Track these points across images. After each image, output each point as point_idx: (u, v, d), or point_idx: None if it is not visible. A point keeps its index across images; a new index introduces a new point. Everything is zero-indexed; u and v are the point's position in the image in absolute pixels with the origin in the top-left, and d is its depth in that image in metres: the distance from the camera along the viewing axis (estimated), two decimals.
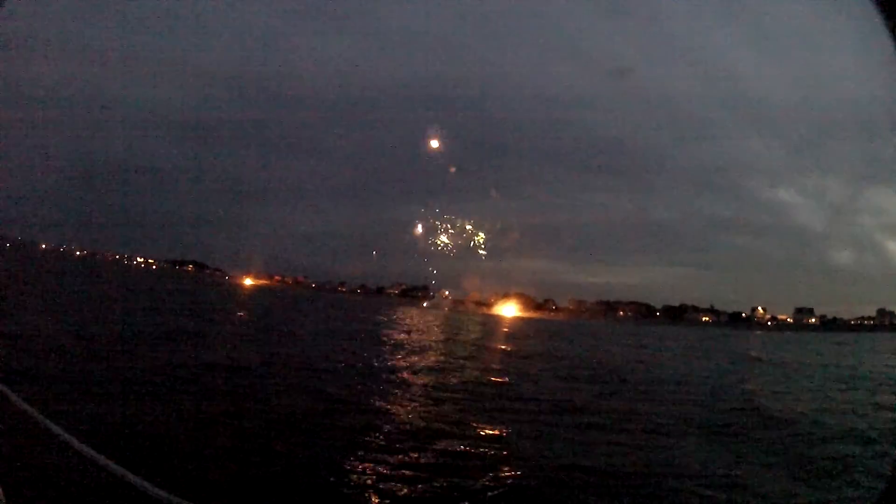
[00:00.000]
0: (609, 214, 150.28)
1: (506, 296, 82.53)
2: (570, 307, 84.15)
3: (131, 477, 2.65)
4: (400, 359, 22.60)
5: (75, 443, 2.85)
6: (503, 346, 33.89)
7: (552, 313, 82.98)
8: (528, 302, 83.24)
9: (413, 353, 25.15)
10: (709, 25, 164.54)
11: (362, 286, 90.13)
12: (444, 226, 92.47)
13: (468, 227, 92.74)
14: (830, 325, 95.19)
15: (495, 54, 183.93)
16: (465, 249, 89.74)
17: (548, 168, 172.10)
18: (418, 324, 46.76)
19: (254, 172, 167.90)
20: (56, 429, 2.90)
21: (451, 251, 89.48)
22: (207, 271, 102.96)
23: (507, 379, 19.57)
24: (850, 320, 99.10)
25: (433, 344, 30.75)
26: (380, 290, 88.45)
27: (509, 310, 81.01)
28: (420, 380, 17.77)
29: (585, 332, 60.16)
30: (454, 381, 18.02)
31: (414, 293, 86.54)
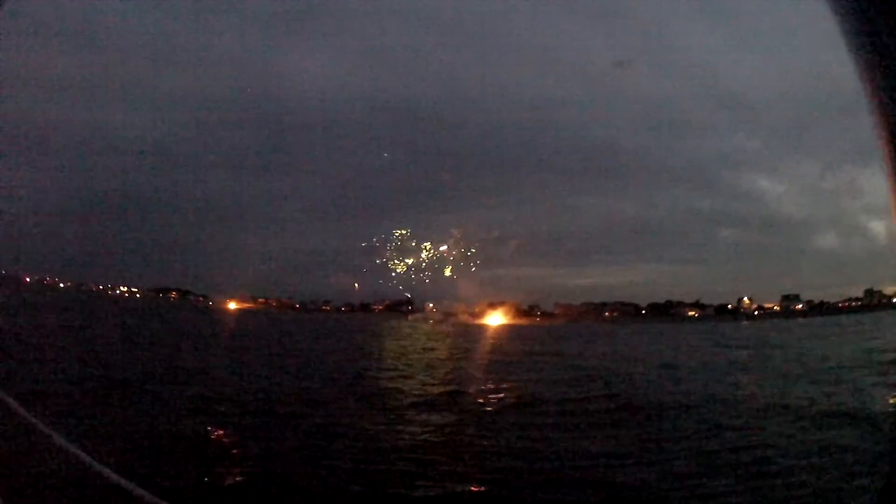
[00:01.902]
0: (589, 216, 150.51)
1: (492, 304, 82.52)
2: (556, 311, 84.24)
3: (123, 482, 2.56)
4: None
5: (70, 447, 2.85)
6: None
7: (538, 319, 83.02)
8: (514, 309, 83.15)
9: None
10: (685, 20, 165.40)
11: (347, 304, 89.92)
12: (427, 237, 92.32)
13: (452, 237, 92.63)
14: (818, 309, 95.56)
15: (475, 61, 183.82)
16: (448, 261, 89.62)
17: (527, 174, 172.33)
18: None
19: (233, 195, 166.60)
20: (51, 432, 3.00)
21: (435, 263, 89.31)
22: (191, 297, 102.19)
23: None
24: (837, 303, 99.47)
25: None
26: (365, 307, 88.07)
27: (495, 319, 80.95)
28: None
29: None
30: None
31: (399, 307, 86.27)
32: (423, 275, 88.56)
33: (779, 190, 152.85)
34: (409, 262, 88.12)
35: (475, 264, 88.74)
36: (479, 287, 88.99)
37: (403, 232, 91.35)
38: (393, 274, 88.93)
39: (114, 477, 2.67)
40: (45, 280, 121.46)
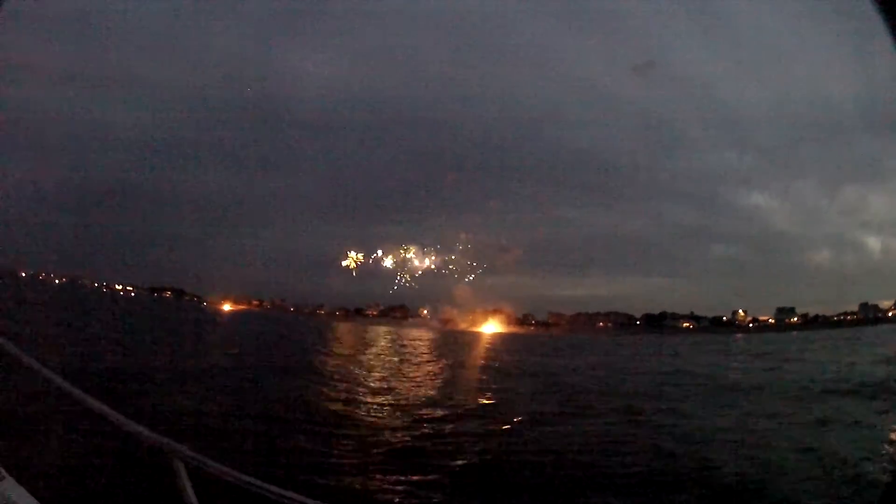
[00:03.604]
0: (583, 227, 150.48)
1: (486, 312, 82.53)
2: (550, 321, 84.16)
3: (118, 417, 2.63)
4: None
5: (73, 389, 2.87)
6: None
7: (533, 328, 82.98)
8: (507, 318, 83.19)
9: None
10: (679, 36, 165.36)
11: (342, 308, 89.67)
12: (421, 242, 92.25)
13: (446, 243, 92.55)
14: (812, 322, 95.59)
15: (474, 64, 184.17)
16: (443, 268, 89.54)
17: (523, 182, 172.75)
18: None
19: (230, 195, 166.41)
20: (53, 376, 3.00)
21: (429, 269, 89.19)
22: (186, 297, 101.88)
23: None
24: (832, 317, 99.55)
25: None
26: (358, 311, 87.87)
27: (489, 327, 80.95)
28: None
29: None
30: None
31: (393, 313, 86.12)
32: (416, 279, 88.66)
33: (773, 206, 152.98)
34: (404, 266, 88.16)
35: (469, 270, 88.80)
36: (471, 293, 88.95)
37: (398, 236, 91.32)
38: (387, 279, 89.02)
39: (97, 405, 2.70)
40: (41, 275, 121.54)
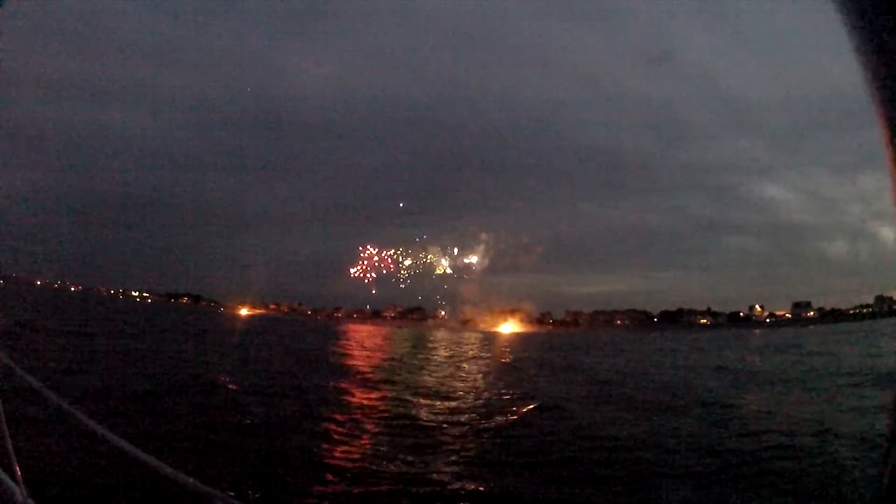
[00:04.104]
0: (598, 223, 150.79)
1: (503, 312, 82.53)
2: (568, 319, 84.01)
3: (123, 444, 2.46)
4: None
5: (77, 413, 2.82)
6: None
7: (550, 327, 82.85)
8: (525, 317, 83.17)
9: None
10: (685, 27, 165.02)
11: (358, 310, 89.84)
12: (436, 242, 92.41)
13: (461, 243, 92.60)
14: (829, 316, 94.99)
15: (476, 63, 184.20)
16: (461, 268, 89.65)
17: (533, 182, 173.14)
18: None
19: (241, 199, 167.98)
20: (57, 399, 2.97)
21: (445, 271, 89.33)
22: (202, 303, 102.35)
23: None
24: (848, 310, 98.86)
25: None
26: (376, 314, 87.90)
27: (507, 327, 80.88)
28: None
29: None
30: None
31: (411, 315, 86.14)
32: (435, 280, 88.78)
33: (786, 197, 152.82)
34: (423, 268, 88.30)
35: (488, 270, 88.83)
36: (488, 293, 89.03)
37: (416, 238, 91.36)
38: (403, 281, 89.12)
39: (124, 445, 2.61)
40: (56, 284, 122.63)
